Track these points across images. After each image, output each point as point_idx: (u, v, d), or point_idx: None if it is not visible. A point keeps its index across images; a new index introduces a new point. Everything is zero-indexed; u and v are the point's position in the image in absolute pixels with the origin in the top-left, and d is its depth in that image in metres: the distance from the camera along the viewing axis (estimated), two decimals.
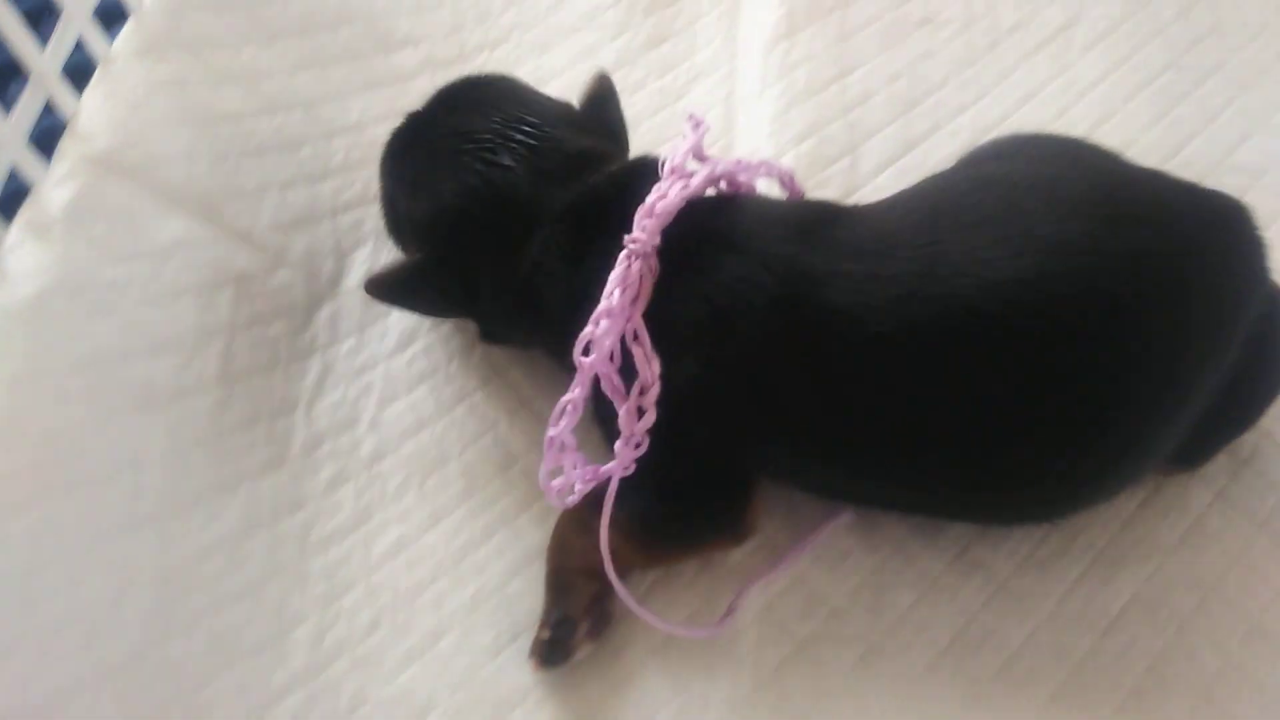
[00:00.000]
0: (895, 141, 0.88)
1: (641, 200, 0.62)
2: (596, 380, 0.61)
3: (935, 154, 0.87)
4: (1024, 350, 0.58)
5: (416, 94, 0.84)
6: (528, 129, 0.67)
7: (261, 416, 0.73)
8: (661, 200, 0.62)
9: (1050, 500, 0.65)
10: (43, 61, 0.72)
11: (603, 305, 0.60)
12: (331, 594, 0.69)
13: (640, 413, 0.61)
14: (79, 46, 0.76)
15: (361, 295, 0.76)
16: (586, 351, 0.60)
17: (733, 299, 0.61)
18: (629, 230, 0.61)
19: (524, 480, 0.73)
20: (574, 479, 0.63)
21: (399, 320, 0.78)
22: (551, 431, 0.62)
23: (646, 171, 0.66)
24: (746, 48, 0.93)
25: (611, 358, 0.61)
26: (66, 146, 0.73)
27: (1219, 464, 0.72)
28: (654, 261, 0.62)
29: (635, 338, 0.61)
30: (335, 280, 0.80)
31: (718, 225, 0.65)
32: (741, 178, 0.68)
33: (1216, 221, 0.63)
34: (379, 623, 0.68)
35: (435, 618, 0.68)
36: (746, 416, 0.63)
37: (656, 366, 0.61)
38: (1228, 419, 0.67)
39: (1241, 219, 0.64)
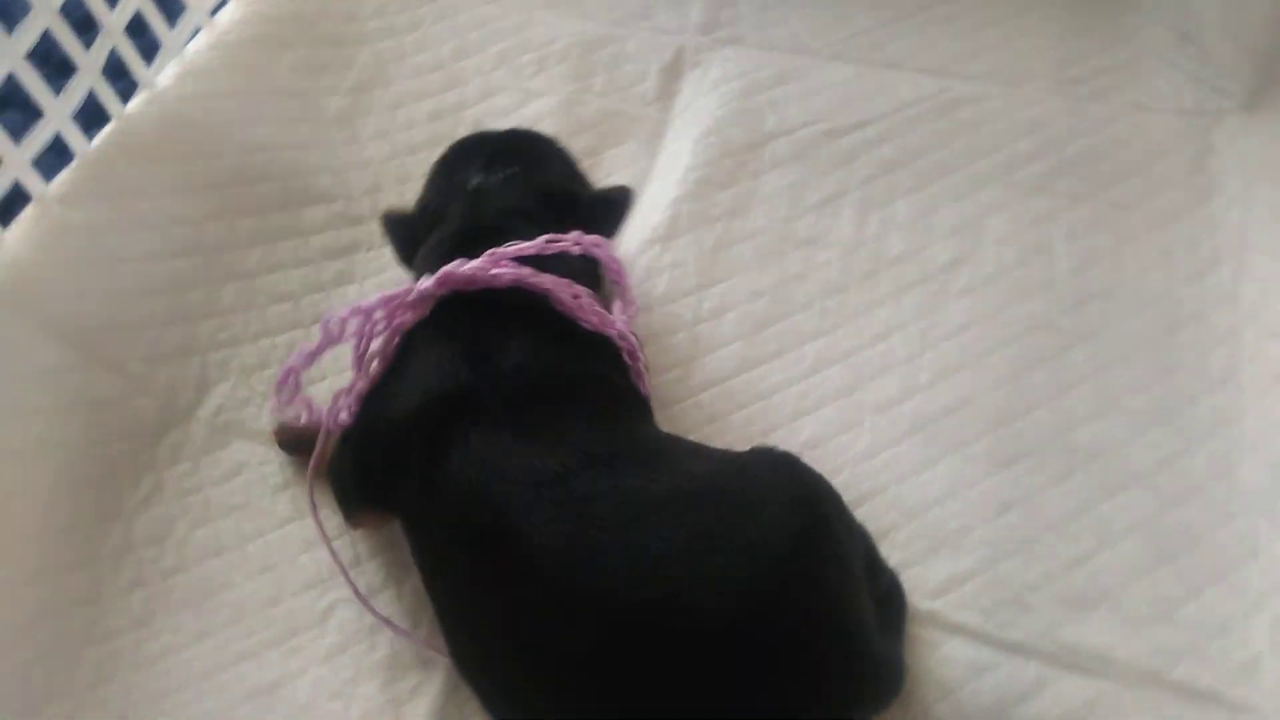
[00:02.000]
0: (732, 360, 1.00)
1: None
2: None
3: (770, 378, 0.98)
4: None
5: (318, 247, 1.04)
6: (510, 172, 0.93)
7: (84, 521, 0.91)
8: (464, 266, 0.82)
9: None
10: None
11: (375, 297, 0.83)
12: (95, 682, 0.85)
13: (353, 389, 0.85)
14: (15, 187, 0.98)
15: (208, 427, 0.96)
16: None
17: (431, 377, 0.80)
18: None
19: (288, 619, 0.88)
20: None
21: (234, 453, 0.96)
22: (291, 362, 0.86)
23: (507, 242, 0.85)
24: (626, 247, 1.06)
25: (361, 336, 0.84)
26: None
27: None
28: (427, 302, 0.83)
29: (371, 335, 0.84)
30: (190, 410, 0.98)
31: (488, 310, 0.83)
32: (530, 281, 0.83)
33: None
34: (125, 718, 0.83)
35: None
36: (399, 483, 0.81)
37: (373, 367, 0.84)
38: None
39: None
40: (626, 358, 0.85)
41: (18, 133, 0.97)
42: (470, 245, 0.85)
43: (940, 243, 1.08)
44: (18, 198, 0.99)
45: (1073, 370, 0.99)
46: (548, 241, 0.85)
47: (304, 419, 0.90)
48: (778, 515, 0.71)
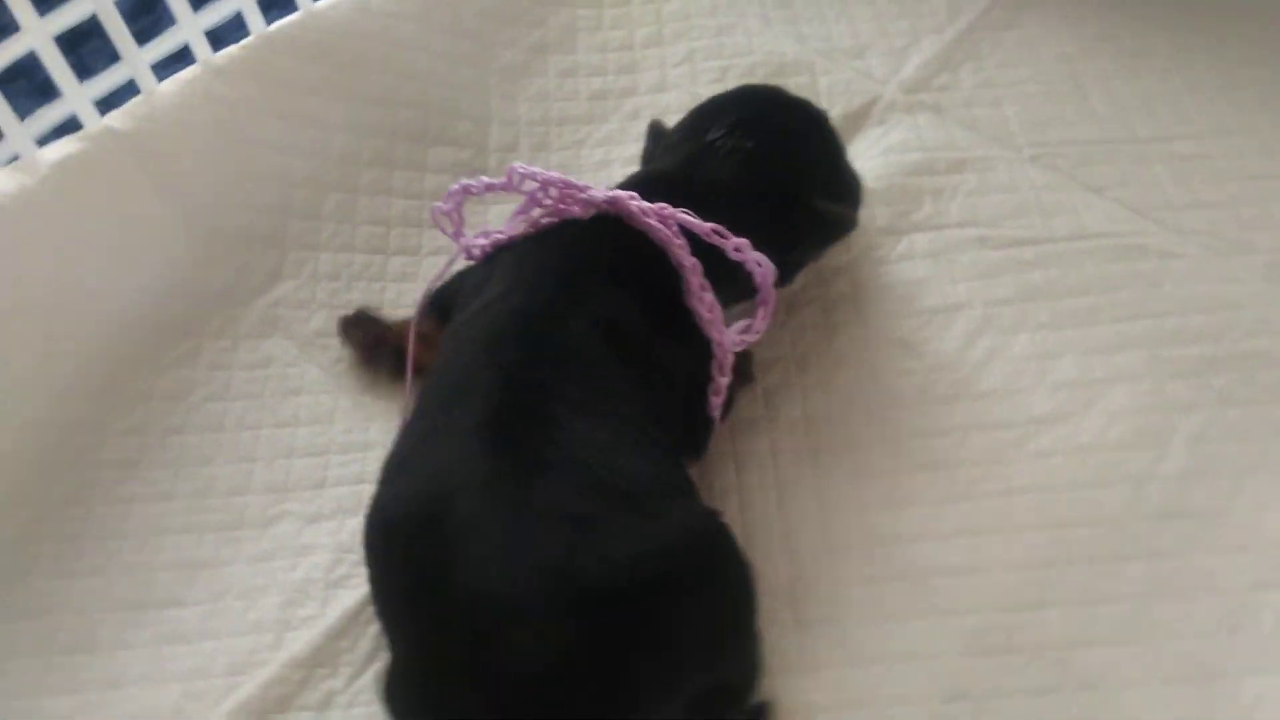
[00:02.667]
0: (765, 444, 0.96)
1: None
2: None
3: None
4: None
5: (430, 186, 1.08)
6: (748, 146, 0.94)
7: (120, 358, 1.01)
8: (638, 203, 0.86)
9: None
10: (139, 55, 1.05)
11: (558, 175, 0.88)
12: (67, 501, 0.94)
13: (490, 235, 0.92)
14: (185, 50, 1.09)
15: (260, 316, 1.04)
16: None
17: (511, 296, 0.85)
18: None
19: (240, 511, 0.93)
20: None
21: (271, 347, 1.03)
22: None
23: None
24: None
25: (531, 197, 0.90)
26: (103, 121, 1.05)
27: None
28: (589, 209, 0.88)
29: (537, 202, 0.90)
30: (252, 295, 1.06)
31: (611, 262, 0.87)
32: (676, 250, 0.85)
33: None
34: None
35: None
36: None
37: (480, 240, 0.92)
38: None
39: None
40: (715, 369, 0.86)
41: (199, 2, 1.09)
42: (661, 192, 0.87)
43: (1044, 393, 0.97)
44: (184, 58, 1.10)
45: (1118, 582, 0.87)
46: (712, 231, 0.86)
47: (450, 230, 0.94)
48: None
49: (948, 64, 1.23)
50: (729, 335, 0.87)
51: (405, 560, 0.71)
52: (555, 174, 0.88)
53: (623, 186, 0.90)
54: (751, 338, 0.91)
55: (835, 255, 1.05)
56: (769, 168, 0.94)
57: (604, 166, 1.15)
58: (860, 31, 1.27)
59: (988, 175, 1.12)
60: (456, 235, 0.94)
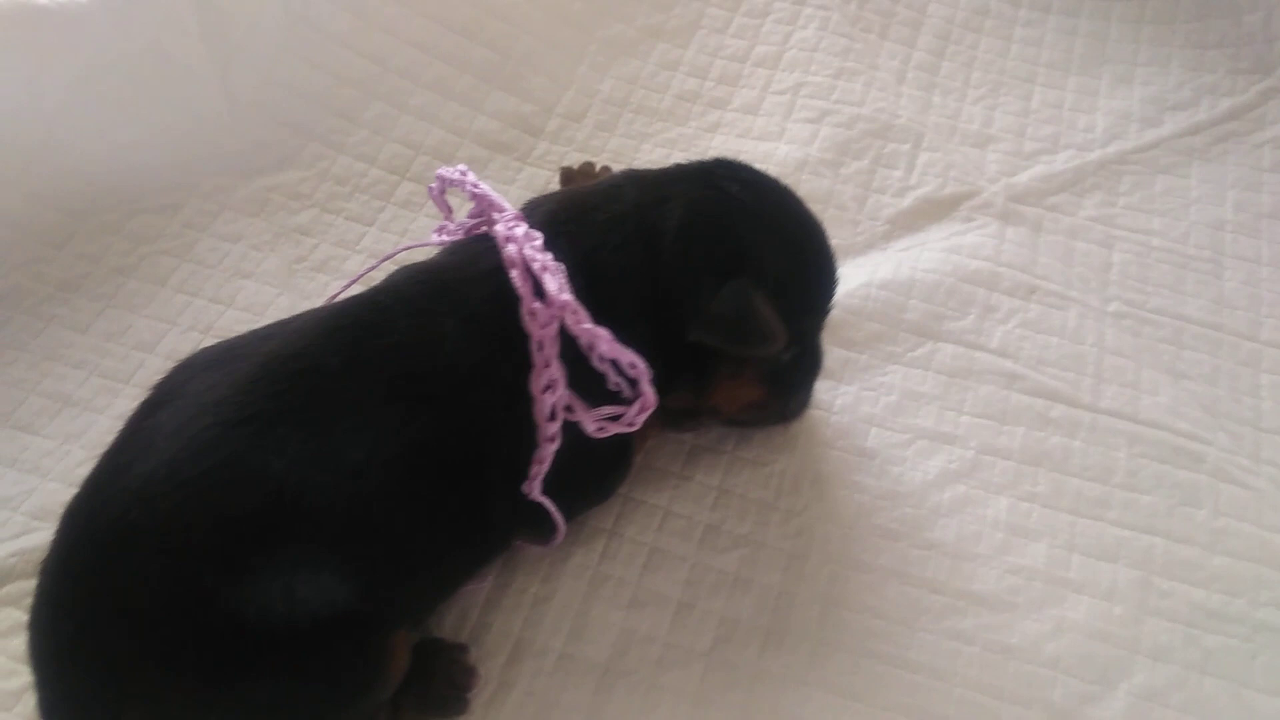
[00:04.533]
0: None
1: None
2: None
3: None
4: None
5: (476, 130, 1.06)
6: (650, 219, 0.83)
7: (122, 186, 1.01)
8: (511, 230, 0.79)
9: None
10: None
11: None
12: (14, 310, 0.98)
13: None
14: None
15: (254, 192, 1.03)
16: None
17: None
18: None
19: (142, 370, 0.92)
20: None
21: (248, 225, 1.01)
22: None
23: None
24: None
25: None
26: None
27: None
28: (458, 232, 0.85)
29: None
30: (257, 173, 1.04)
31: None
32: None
33: None
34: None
35: None
36: None
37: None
38: None
39: None
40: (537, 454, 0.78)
41: None
42: (560, 227, 0.79)
43: (995, 572, 0.83)
44: None
45: None
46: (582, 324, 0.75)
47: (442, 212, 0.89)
48: None
49: (1074, 186, 1.09)
50: (587, 418, 0.77)
51: None
52: (483, 190, 0.82)
53: (535, 211, 0.82)
54: (618, 427, 0.79)
55: (837, 332, 0.96)
56: (678, 252, 0.80)
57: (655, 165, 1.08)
58: (996, 121, 1.15)
59: (1054, 314, 0.99)
60: (446, 219, 0.88)
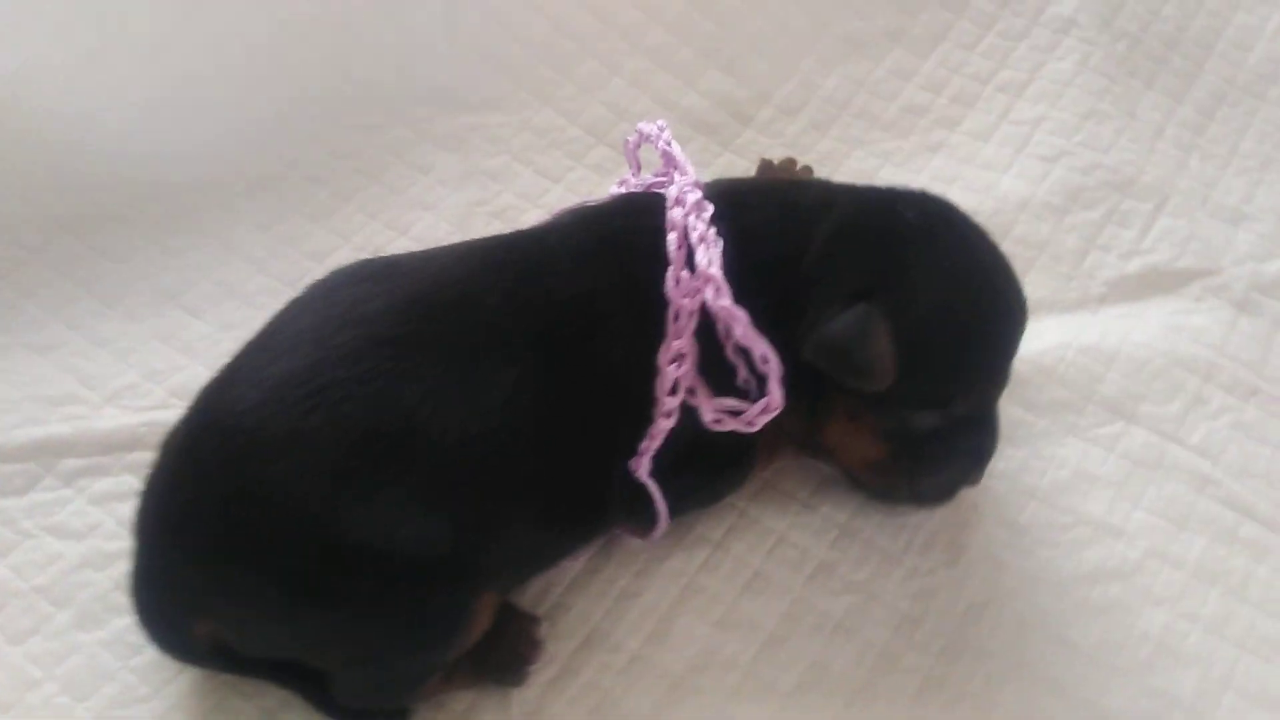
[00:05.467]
0: None
1: None
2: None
3: None
4: None
5: (688, 104, 1.04)
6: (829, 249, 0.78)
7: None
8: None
9: None
10: None
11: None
12: None
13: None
14: None
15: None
16: None
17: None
18: None
19: None
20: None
21: None
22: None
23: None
24: None
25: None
26: None
27: None
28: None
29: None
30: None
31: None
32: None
33: None
34: None
35: None
36: None
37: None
38: None
39: None
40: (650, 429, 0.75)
41: None
42: (732, 207, 0.77)
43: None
44: None
45: None
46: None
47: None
48: None
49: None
50: (707, 404, 0.74)
51: None
52: (674, 150, 0.81)
53: (716, 185, 0.80)
54: (736, 424, 0.75)
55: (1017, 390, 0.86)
56: (809, 263, 0.75)
57: (861, 177, 1.01)
58: (1258, 198, 1.03)
59: (1273, 423, 0.88)
60: (633, 173, 0.87)
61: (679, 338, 0.72)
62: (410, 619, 0.69)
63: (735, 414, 0.74)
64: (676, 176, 0.79)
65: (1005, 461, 0.86)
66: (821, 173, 1.02)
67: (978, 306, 0.75)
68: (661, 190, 0.79)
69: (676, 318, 0.72)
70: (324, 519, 0.66)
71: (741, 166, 1.04)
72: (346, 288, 0.73)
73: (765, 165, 1.02)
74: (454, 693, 0.76)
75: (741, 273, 0.73)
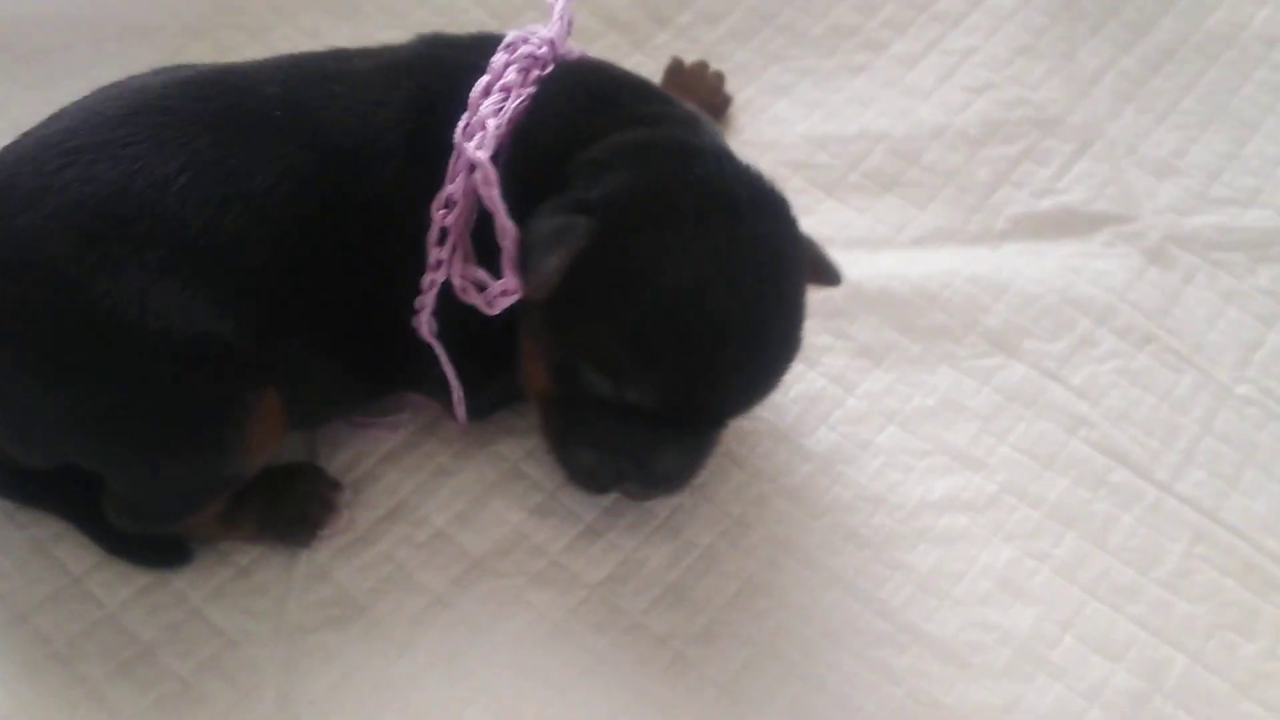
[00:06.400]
0: None
1: None
2: None
3: None
4: None
5: (593, 3, 1.00)
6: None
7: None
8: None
9: None
10: None
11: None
12: None
13: None
14: None
15: None
16: None
17: None
18: None
19: None
20: None
21: None
22: None
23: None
24: None
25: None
26: None
27: None
28: None
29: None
30: None
31: None
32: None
33: None
34: None
35: None
36: None
37: None
38: None
39: None
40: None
41: None
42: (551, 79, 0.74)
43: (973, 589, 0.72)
44: None
45: None
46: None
47: None
48: None
49: (1256, 249, 0.92)
50: (456, 268, 0.69)
51: None
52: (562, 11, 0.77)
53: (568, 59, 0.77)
54: (478, 300, 0.69)
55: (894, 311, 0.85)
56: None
57: (774, 93, 0.98)
58: (1191, 154, 0.98)
59: (1164, 373, 0.84)
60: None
61: (452, 182, 0.68)
62: (176, 406, 0.64)
63: (479, 288, 0.69)
64: (530, 35, 0.74)
65: (870, 381, 0.83)
66: (734, 83, 1.00)
67: (693, 297, 0.65)
68: (513, 42, 0.74)
69: (456, 160, 0.68)
70: (72, 282, 0.62)
71: (650, 69, 0.99)
72: (138, 78, 0.71)
73: (675, 65, 0.98)
74: (238, 543, 0.73)
75: (526, 144, 0.69)
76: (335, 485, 0.74)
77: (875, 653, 0.71)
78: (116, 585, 0.71)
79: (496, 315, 0.69)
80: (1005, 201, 0.94)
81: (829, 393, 0.82)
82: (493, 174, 0.67)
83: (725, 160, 0.70)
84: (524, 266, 0.66)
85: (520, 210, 0.67)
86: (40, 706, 0.67)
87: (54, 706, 0.66)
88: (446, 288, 0.70)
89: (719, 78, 0.98)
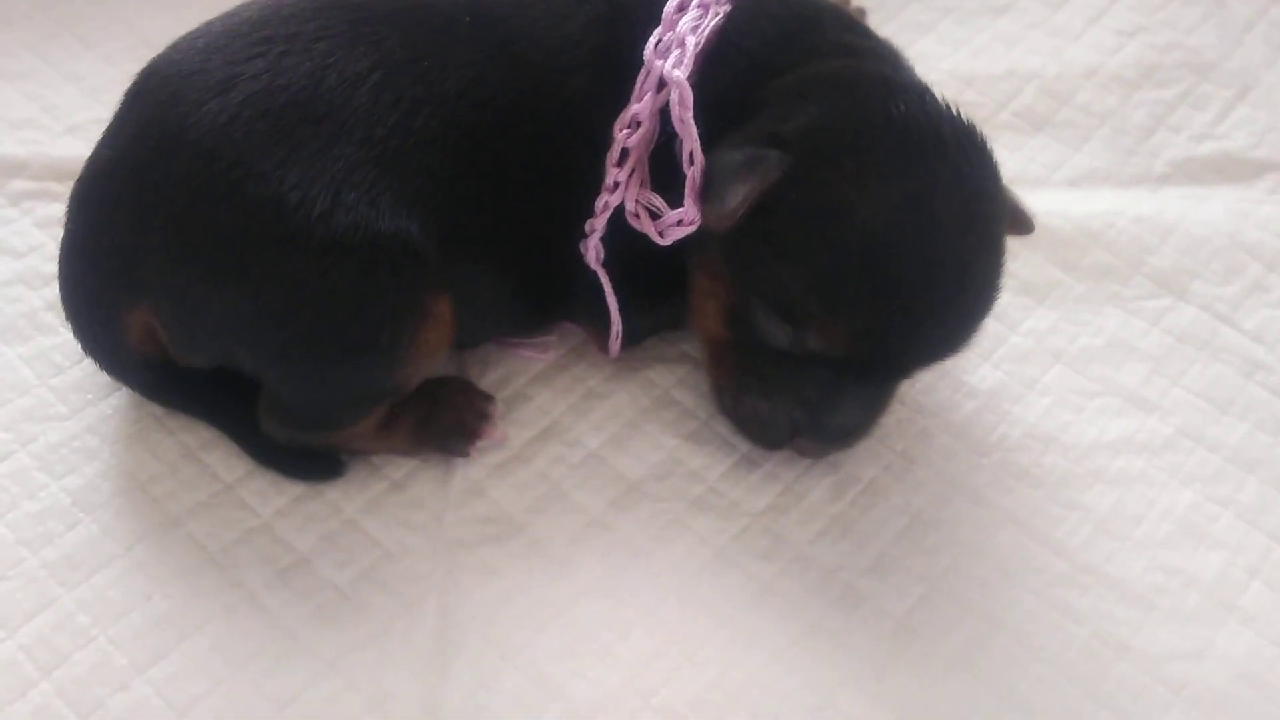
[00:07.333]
0: None
1: None
2: None
3: None
4: None
5: None
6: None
7: None
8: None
9: None
10: None
11: None
12: None
13: None
14: None
15: None
16: None
17: None
18: None
19: None
20: None
21: None
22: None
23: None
24: None
25: None
26: None
27: None
28: None
29: None
30: None
31: None
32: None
33: None
34: None
35: None
36: None
37: None
38: None
39: None
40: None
41: None
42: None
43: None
44: None
45: None
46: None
47: None
48: None
49: None
50: (632, 193, 0.67)
51: None
52: None
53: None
54: (649, 227, 0.67)
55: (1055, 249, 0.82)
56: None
57: (917, 29, 0.97)
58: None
59: None
60: None
61: (639, 100, 0.66)
62: (356, 304, 0.63)
63: (654, 215, 0.67)
64: None
65: (1034, 319, 0.81)
66: (875, 19, 0.96)
67: (892, 240, 0.62)
68: None
69: (645, 78, 0.66)
70: (260, 174, 0.61)
71: None
72: None
73: None
74: (392, 455, 0.71)
75: (718, 66, 0.67)
76: (488, 398, 0.73)
77: (1055, 592, 0.68)
78: (269, 494, 0.69)
79: (665, 246, 0.67)
80: (1163, 145, 0.92)
81: (991, 328, 0.78)
82: (689, 95, 0.65)
83: (928, 98, 0.67)
84: (707, 196, 0.64)
85: (705, 138, 0.65)
86: (198, 609, 0.65)
87: (211, 609, 0.65)
88: (617, 214, 0.68)
89: (860, 11, 0.96)
